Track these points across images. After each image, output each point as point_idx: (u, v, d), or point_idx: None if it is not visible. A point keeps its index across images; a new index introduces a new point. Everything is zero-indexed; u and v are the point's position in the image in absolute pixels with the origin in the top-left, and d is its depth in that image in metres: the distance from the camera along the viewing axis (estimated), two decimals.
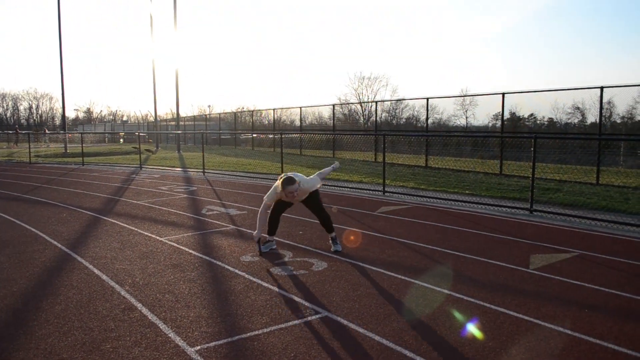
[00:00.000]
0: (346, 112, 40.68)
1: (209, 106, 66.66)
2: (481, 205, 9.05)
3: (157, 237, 6.70)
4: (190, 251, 5.98)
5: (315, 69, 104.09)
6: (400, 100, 42.03)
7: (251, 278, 4.91)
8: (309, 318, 3.92)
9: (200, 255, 5.78)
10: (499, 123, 18.78)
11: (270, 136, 28.26)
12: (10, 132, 45.86)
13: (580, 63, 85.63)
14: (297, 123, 28.12)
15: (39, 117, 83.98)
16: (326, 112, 29.63)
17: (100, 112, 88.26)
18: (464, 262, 5.45)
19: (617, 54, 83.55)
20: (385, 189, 10.78)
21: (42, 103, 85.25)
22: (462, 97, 29.52)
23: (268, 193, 5.76)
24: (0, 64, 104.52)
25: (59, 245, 6.32)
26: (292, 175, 5.58)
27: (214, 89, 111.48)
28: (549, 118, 23.16)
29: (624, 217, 7.77)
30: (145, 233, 6.98)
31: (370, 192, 10.93)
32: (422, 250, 5.96)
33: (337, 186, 11.66)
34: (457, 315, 3.97)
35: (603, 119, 13.46)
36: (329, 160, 17.60)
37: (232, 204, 9.39)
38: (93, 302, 4.30)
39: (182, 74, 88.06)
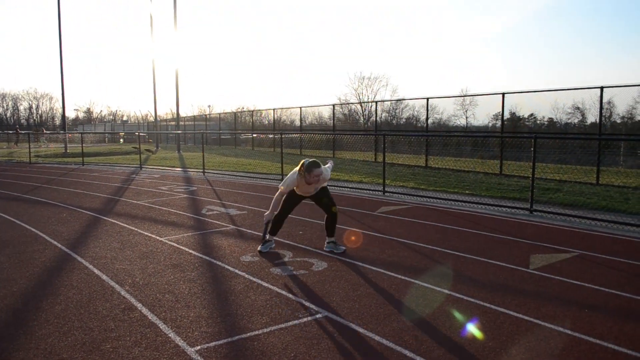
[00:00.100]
0: (346, 112, 40.68)
1: (209, 106, 66.69)
2: (481, 205, 9.05)
3: (157, 237, 6.70)
4: (190, 251, 5.98)
5: (315, 69, 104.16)
6: (400, 100, 42.05)
7: (251, 278, 4.91)
8: (309, 318, 3.92)
9: (200, 255, 5.78)
10: (499, 123, 18.79)
11: (270, 136, 28.27)
12: (11, 132, 45.86)
13: (580, 63, 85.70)
14: (297, 123, 28.13)
15: (39, 117, 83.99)
16: (326, 112, 29.65)
17: (100, 112, 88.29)
18: (464, 262, 5.45)
19: (617, 54, 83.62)
20: (385, 189, 10.78)
21: (42, 103, 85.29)
22: (462, 97, 29.53)
23: (284, 180, 5.68)
24: (0, 64, 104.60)
25: (59, 245, 6.32)
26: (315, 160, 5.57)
27: (214, 89, 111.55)
28: (549, 118, 23.17)
29: (624, 217, 7.77)
30: (145, 233, 6.98)
31: (370, 192, 10.93)
32: (422, 250, 5.96)
33: (337, 186, 11.66)
34: (457, 315, 3.97)
35: (603, 119, 13.46)
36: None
37: (232, 204, 9.39)
38: (93, 302, 4.30)
39: (182, 74, 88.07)
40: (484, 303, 4.22)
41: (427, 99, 17.83)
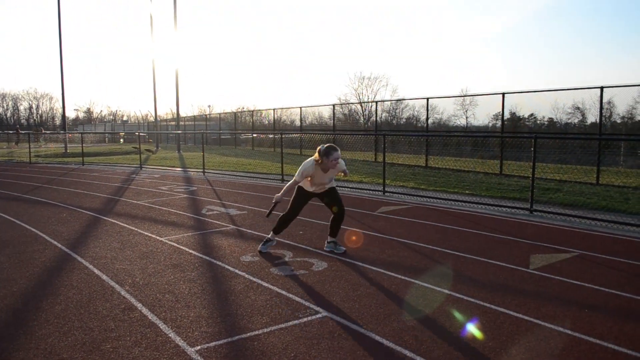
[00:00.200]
0: (346, 112, 40.67)
1: (209, 106, 66.71)
2: (481, 205, 9.05)
3: (157, 237, 6.70)
4: (191, 251, 5.98)
5: (315, 69, 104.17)
6: (400, 100, 42.05)
7: (251, 278, 4.91)
8: (309, 318, 3.92)
9: (201, 255, 5.78)
10: (499, 123, 18.79)
11: (271, 136, 28.27)
12: (11, 132, 45.88)
13: (580, 63, 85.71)
14: (297, 123, 28.13)
15: (39, 117, 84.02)
16: (326, 112, 29.63)
17: (100, 112, 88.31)
18: (464, 262, 5.45)
19: (617, 54, 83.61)
20: (386, 189, 10.78)
21: (42, 103, 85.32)
22: (462, 97, 29.52)
23: (300, 170, 5.54)
24: (0, 64, 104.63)
25: (59, 245, 6.32)
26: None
27: (214, 89, 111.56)
28: (549, 118, 23.17)
29: (624, 217, 7.77)
30: (146, 233, 6.98)
31: (370, 192, 10.93)
32: (422, 250, 5.96)
33: (337, 186, 11.64)
34: (457, 315, 3.97)
35: (603, 119, 13.47)
36: None
37: (232, 204, 9.39)
38: (93, 302, 4.30)
39: (182, 74, 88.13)
40: (484, 303, 4.22)
41: (427, 99, 17.83)
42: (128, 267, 5.34)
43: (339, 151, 5.47)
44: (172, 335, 3.64)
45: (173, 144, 35.44)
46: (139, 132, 24.99)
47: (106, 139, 47.19)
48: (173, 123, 39.39)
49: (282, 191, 5.62)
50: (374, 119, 26.31)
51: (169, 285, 4.74)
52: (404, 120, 37.43)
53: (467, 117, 31.93)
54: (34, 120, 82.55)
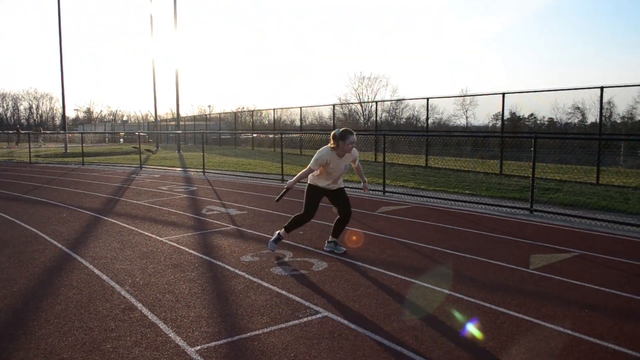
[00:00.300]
0: (346, 112, 40.68)
1: (209, 106, 66.75)
2: (481, 205, 9.05)
3: (157, 237, 6.70)
4: (191, 251, 5.98)
5: (315, 69, 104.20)
6: (400, 100, 42.05)
7: (251, 278, 4.91)
8: (309, 318, 3.92)
9: (201, 255, 5.78)
10: (499, 123, 18.79)
11: (271, 136, 28.27)
12: (11, 132, 45.89)
13: (580, 63, 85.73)
14: (297, 123, 28.13)
15: (39, 117, 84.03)
16: (326, 112, 29.65)
17: (101, 112, 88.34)
18: (464, 262, 5.45)
19: (617, 54, 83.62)
20: (386, 189, 10.78)
21: (42, 103, 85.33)
22: (462, 97, 29.54)
23: (315, 158, 5.45)
24: (0, 64, 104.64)
25: (59, 245, 6.32)
26: None
27: (214, 89, 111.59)
28: (549, 118, 23.18)
29: (624, 217, 7.77)
30: (146, 233, 6.98)
31: (370, 192, 10.92)
32: (422, 250, 5.96)
33: None
34: (457, 315, 3.97)
35: (603, 119, 13.46)
36: None
37: (232, 204, 9.39)
38: (93, 302, 4.30)
39: (182, 74, 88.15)
40: (484, 303, 4.22)
41: (427, 99, 17.83)
42: (128, 267, 5.34)
43: (355, 135, 5.41)
44: (172, 335, 3.64)
45: (173, 144, 35.44)
46: (139, 132, 24.99)
47: (106, 139, 47.19)
48: (173, 123, 39.39)
49: (294, 178, 5.58)
50: (374, 119, 26.32)
51: (169, 285, 4.74)
52: (404, 120, 37.45)
53: (467, 117, 31.96)
54: (34, 120, 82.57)
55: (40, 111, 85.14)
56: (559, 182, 11.51)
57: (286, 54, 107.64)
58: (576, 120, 20.72)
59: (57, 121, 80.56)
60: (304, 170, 5.65)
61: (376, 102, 30.43)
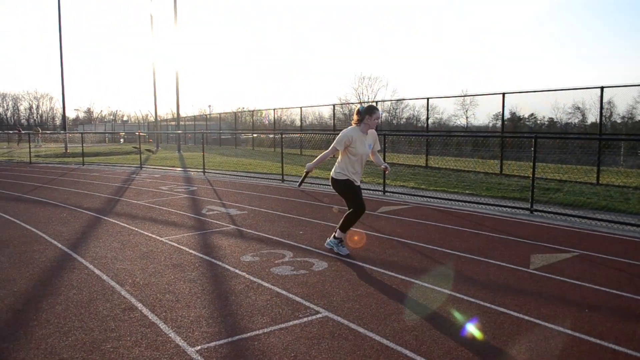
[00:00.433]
0: (346, 112, 40.67)
1: (209, 106, 66.79)
2: (481, 205, 9.05)
3: (158, 237, 6.70)
4: (191, 251, 5.98)
5: (315, 69, 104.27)
6: (400, 100, 42.06)
7: (251, 278, 4.91)
8: (309, 318, 3.92)
9: (201, 255, 5.78)
10: (499, 123, 18.80)
11: (271, 136, 28.27)
12: (11, 132, 45.93)
13: (580, 63, 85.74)
14: (298, 123, 28.13)
15: (39, 117, 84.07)
16: (326, 112, 29.68)
17: (101, 112, 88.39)
18: (464, 262, 5.45)
19: (617, 54, 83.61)
20: (386, 189, 10.78)
21: (42, 103, 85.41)
22: (462, 97, 29.56)
23: (339, 138, 5.35)
24: (0, 64, 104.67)
25: (59, 245, 6.32)
26: None
27: (214, 89, 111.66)
28: (549, 118, 23.20)
29: (624, 217, 7.77)
30: (146, 233, 6.98)
31: (371, 192, 10.92)
32: (423, 250, 5.96)
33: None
34: (457, 315, 3.97)
35: (603, 119, 13.47)
36: (330, 160, 17.58)
37: (232, 204, 9.39)
38: (93, 302, 4.30)
39: (182, 74, 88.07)
40: (484, 303, 4.22)
41: (428, 99, 17.83)
42: (128, 267, 5.34)
43: (380, 111, 5.37)
44: (172, 335, 3.64)
45: (173, 144, 35.44)
46: (139, 132, 25.01)
47: (106, 139, 47.20)
48: (173, 123, 39.40)
49: (315, 160, 5.55)
50: None
51: (169, 285, 4.74)
52: (404, 120, 37.46)
53: (467, 117, 31.97)
54: (34, 120, 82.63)
55: (40, 111, 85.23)
56: (559, 182, 11.51)
57: (286, 54, 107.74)
58: (576, 120, 20.74)
59: (57, 121, 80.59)
60: (324, 152, 5.58)
61: (376, 102, 30.42)
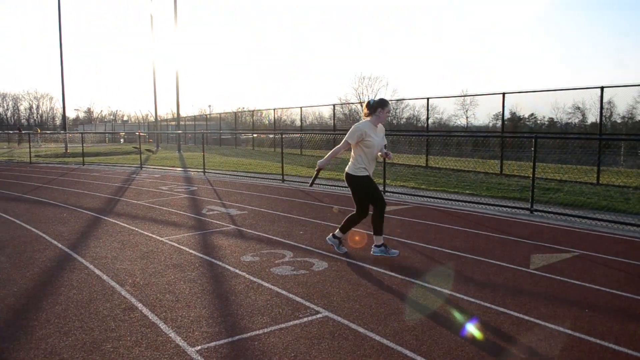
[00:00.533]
0: (347, 112, 40.70)
1: (209, 106, 66.81)
2: (482, 205, 9.05)
3: (158, 237, 6.70)
4: (191, 251, 5.99)
5: (315, 69, 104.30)
6: (400, 100, 42.04)
7: (251, 278, 4.91)
8: (310, 318, 3.92)
9: (201, 255, 5.78)
10: (499, 123, 18.80)
11: (271, 136, 28.27)
12: (11, 132, 45.95)
13: (580, 63, 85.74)
14: (298, 123, 28.14)
15: (39, 117, 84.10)
16: (326, 112, 29.69)
17: (101, 112, 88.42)
18: (464, 262, 5.45)
19: (617, 54, 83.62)
20: (386, 189, 10.78)
21: (42, 103, 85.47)
22: (463, 97, 29.57)
23: (351, 132, 5.28)
24: (0, 64, 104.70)
25: (60, 245, 6.32)
26: None
27: (214, 89, 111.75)
28: (550, 118, 23.20)
29: (625, 217, 7.77)
30: (146, 233, 6.98)
31: None
32: (423, 250, 5.96)
33: (337, 186, 11.65)
34: (457, 315, 3.97)
35: (603, 118, 13.47)
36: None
37: (232, 204, 9.39)
38: (93, 302, 4.30)
39: (182, 74, 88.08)
40: (484, 303, 4.22)
41: (428, 98, 17.82)
42: (128, 267, 5.34)
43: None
44: (172, 335, 3.64)
45: (173, 144, 35.45)
46: (139, 132, 25.00)
47: (106, 139, 47.20)
48: (173, 123, 39.42)
49: (326, 156, 5.49)
50: None
51: (169, 285, 4.74)
52: (404, 120, 37.48)
53: (467, 117, 31.98)
54: (34, 120, 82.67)
55: (40, 111, 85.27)
56: (559, 182, 11.51)
57: (286, 54, 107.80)
58: (576, 120, 20.74)
59: (58, 121, 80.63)
60: (336, 147, 5.51)
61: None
